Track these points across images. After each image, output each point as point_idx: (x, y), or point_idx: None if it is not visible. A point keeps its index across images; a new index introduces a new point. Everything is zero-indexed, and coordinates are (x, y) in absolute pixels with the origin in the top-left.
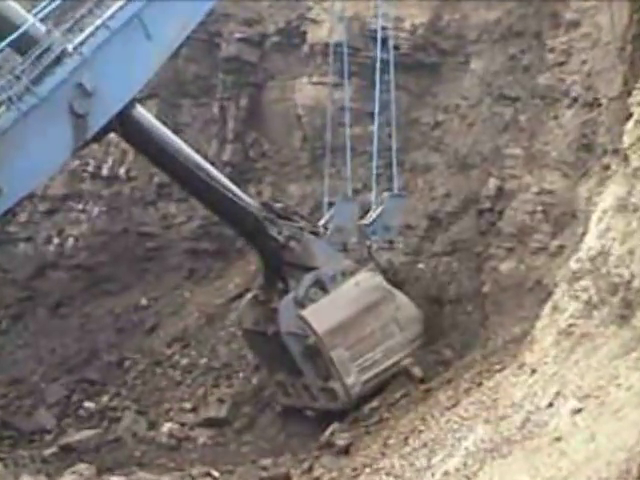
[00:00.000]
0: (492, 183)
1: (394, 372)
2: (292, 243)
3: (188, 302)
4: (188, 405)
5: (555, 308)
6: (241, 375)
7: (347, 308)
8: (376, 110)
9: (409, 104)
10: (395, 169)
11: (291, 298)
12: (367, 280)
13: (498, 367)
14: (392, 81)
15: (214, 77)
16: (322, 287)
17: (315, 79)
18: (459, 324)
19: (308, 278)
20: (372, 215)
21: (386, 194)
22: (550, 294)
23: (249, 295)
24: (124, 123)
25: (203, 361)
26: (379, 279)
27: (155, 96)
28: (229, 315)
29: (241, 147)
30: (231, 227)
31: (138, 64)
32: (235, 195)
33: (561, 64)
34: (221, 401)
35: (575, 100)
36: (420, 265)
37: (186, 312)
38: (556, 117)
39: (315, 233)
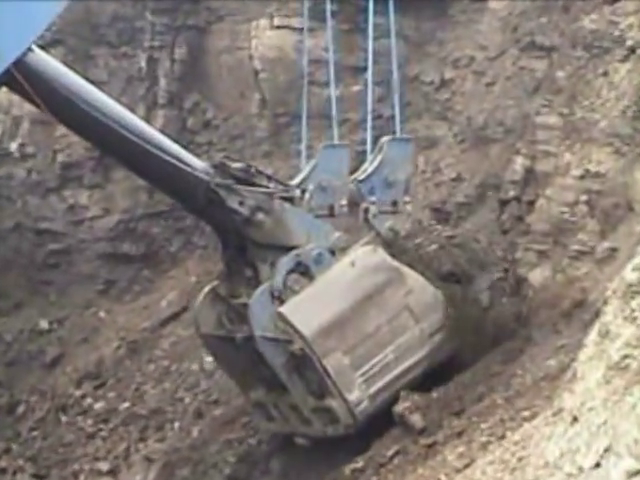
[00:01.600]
0: (519, 164)
1: (411, 379)
2: (260, 216)
3: (104, 325)
4: (104, 466)
5: (604, 334)
6: (177, 425)
7: (341, 298)
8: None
9: (406, 56)
10: (398, 110)
11: (265, 290)
12: (365, 257)
13: (527, 414)
14: (392, 18)
15: (140, 18)
16: (305, 272)
17: (278, 21)
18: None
19: (285, 262)
20: (368, 167)
21: (386, 139)
22: (598, 314)
23: (207, 289)
24: (20, 74)
25: (124, 406)
26: (381, 255)
27: (60, 43)
28: (161, 343)
29: (177, 114)
30: (178, 202)
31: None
32: (178, 158)
33: (613, 2)
34: (149, 460)
35: (632, 51)
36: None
37: (101, 339)
38: (606, 74)
39: (290, 199)
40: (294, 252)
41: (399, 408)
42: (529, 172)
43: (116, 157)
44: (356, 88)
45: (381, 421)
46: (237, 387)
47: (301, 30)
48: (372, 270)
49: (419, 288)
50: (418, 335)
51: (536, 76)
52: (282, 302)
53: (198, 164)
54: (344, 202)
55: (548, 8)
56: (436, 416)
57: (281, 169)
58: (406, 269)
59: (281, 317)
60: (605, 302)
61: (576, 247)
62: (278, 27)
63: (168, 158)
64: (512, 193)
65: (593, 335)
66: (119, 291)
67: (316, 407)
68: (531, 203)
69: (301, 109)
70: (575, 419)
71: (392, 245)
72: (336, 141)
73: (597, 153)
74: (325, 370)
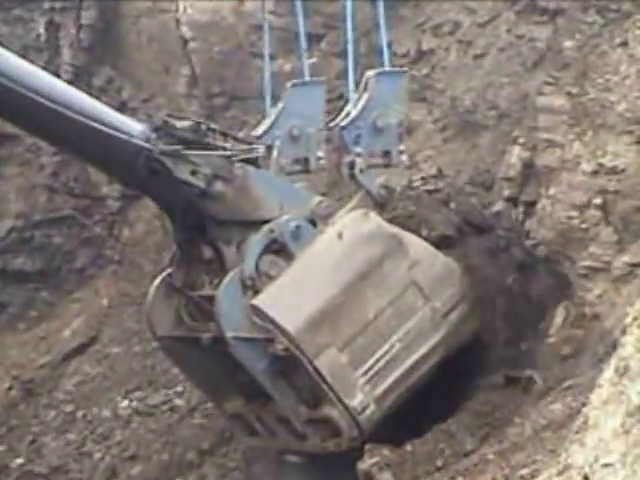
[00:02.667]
0: (516, 155)
1: (425, 372)
2: (218, 186)
3: None
4: None
5: (623, 371)
6: None
7: (330, 280)
8: None
9: (373, 21)
10: (385, 43)
11: (234, 279)
12: (355, 226)
13: (525, 472)
14: None
15: None
16: (282, 251)
17: None
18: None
19: (256, 241)
20: (352, 110)
21: (372, 73)
22: (614, 347)
23: (158, 280)
24: None
25: (18, 462)
26: (375, 221)
27: None
28: (63, 383)
29: (85, 92)
30: (114, 178)
31: None
32: (107, 123)
33: None
34: None
35: None
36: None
37: None
38: (624, 44)
39: (254, 161)
40: (266, 227)
41: (365, 465)
42: (528, 167)
43: (30, 129)
44: (311, 61)
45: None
46: (208, 398)
47: None
48: (365, 241)
49: (426, 257)
50: (430, 316)
51: (537, 47)
52: (256, 292)
53: (135, 128)
54: (321, 154)
55: None
56: (410, 475)
57: None
58: (408, 235)
59: (257, 311)
60: (624, 331)
61: (587, 262)
62: None
63: (95, 124)
64: (507, 193)
65: (609, 373)
66: (10, 317)
67: (311, 418)
68: (531, 205)
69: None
70: (586, 479)
71: (386, 207)
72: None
73: (614, 144)
74: (318, 372)
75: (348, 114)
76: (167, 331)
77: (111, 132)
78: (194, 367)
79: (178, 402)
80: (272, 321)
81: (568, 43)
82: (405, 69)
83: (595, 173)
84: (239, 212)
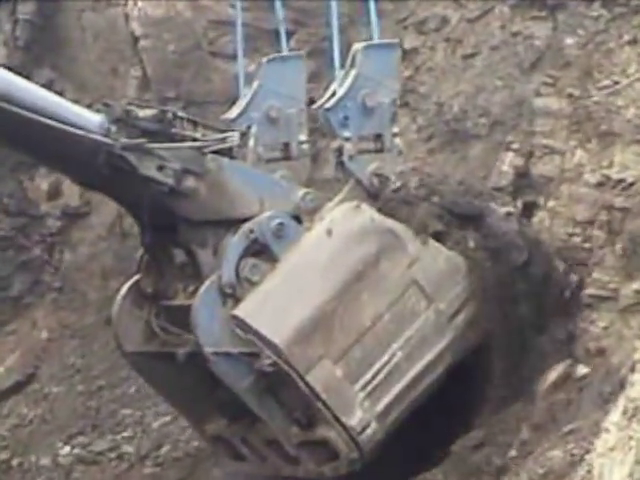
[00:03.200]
0: (508, 163)
1: (431, 383)
2: (189, 182)
3: None
4: None
5: (632, 413)
6: None
7: (320, 284)
8: None
9: (348, 17)
10: (373, 11)
11: (211, 287)
12: (345, 220)
13: None
14: None
15: None
16: (264, 253)
17: None
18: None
19: (234, 243)
20: (338, 89)
21: (360, 45)
22: (622, 386)
23: (125, 288)
24: None
25: None
26: (367, 213)
27: None
28: None
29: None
30: (72, 179)
31: None
32: (60, 117)
33: None
34: None
35: None
36: None
37: None
38: (634, 42)
39: (228, 151)
40: (244, 227)
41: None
42: (522, 176)
43: None
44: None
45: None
46: (186, 419)
47: None
48: (357, 237)
49: (427, 253)
50: (434, 320)
51: (535, 45)
52: (237, 301)
53: (93, 120)
54: (304, 137)
55: None
56: None
57: None
58: (405, 229)
59: (239, 322)
60: (633, 368)
61: (591, 290)
62: None
63: (46, 120)
64: (498, 204)
65: (616, 415)
66: None
67: (305, 440)
68: (526, 218)
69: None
70: None
71: (379, 197)
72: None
73: (621, 154)
74: (311, 389)
75: (334, 94)
76: (137, 346)
77: (64, 128)
78: (169, 385)
79: (127, 449)
80: (256, 333)
81: (569, 40)
82: (396, 40)
83: (600, 185)
84: (214, 211)
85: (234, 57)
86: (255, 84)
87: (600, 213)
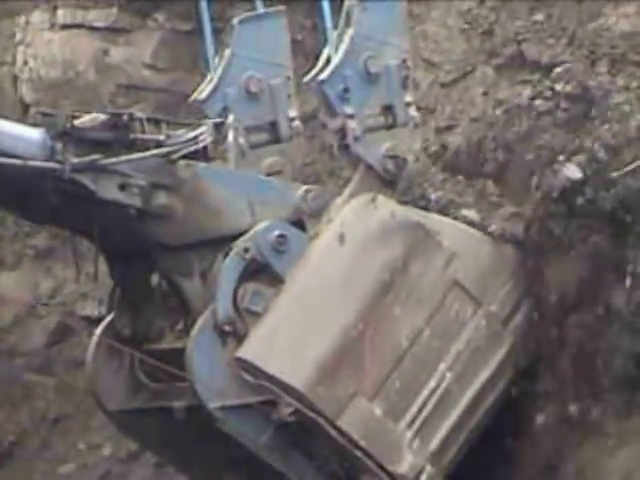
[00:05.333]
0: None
1: (492, 405)
2: (160, 198)
3: None
4: None
5: None
6: None
7: (339, 304)
8: None
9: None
10: None
11: (205, 327)
12: (360, 220)
13: None
14: None
15: None
16: (265, 274)
17: (66, 16)
18: None
19: (227, 267)
20: (333, 55)
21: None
22: None
23: (97, 333)
24: None
25: None
26: (386, 207)
27: None
28: None
29: None
30: (15, 215)
31: None
32: None
33: None
34: None
35: None
36: None
37: None
38: None
39: (202, 151)
40: (237, 246)
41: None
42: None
43: None
44: None
45: None
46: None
47: (108, 31)
48: (377, 239)
49: (466, 246)
50: (485, 326)
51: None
52: (240, 339)
53: (32, 139)
54: (294, 112)
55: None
56: None
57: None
58: (435, 218)
59: (246, 366)
60: None
61: None
62: (66, 26)
63: None
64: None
65: None
66: None
67: None
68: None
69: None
70: None
71: (396, 183)
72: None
73: None
74: (346, 436)
75: (328, 61)
76: (121, 403)
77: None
78: (168, 445)
79: None
80: (269, 377)
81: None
82: None
83: None
84: (195, 230)
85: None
86: (227, 53)
87: None
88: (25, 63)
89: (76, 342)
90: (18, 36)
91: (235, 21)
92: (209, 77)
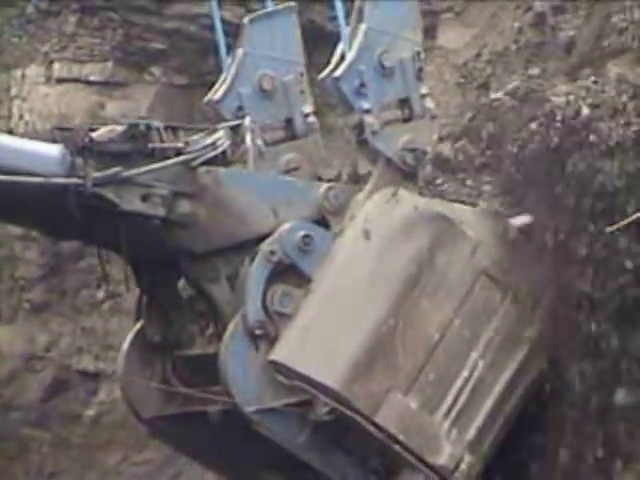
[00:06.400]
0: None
1: (528, 389)
2: (183, 206)
3: None
4: None
5: None
6: None
7: (368, 300)
8: None
9: None
10: None
11: (236, 333)
12: (383, 215)
13: None
14: None
15: None
16: (293, 275)
17: (62, 69)
18: None
19: (254, 271)
20: (347, 52)
21: None
22: None
23: (128, 340)
24: None
25: None
26: (408, 201)
27: None
28: None
29: None
30: (40, 232)
31: None
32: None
33: None
34: None
35: None
36: None
37: None
38: None
39: (222, 156)
40: (263, 249)
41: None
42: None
43: None
44: None
45: None
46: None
47: (104, 85)
48: (402, 233)
49: (491, 232)
50: (515, 312)
51: None
52: (272, 342)
53: (51, 156)
54: (309, 108)
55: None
56: None
57: None
58: (457, 207)
59: (280, 368)
60: None
61: None
62: (62, 80)
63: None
64: None
65: None
66: None
67: None
68: None
69: None
70: None
71: (413, 176)
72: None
73: None
74: (384, 431)
75: (342, 57)
76: (156, 410)
77: (16, 179)
78: (205, 449)
79: None
80: (304, 378)
81: None
82: None
83: None
84: (220, 236)
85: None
86: (239, 52)
87: None
88: (21, 117)
89: (72, 396)
90: (14, 90)
91: (245, 20)
92: (222, 77)
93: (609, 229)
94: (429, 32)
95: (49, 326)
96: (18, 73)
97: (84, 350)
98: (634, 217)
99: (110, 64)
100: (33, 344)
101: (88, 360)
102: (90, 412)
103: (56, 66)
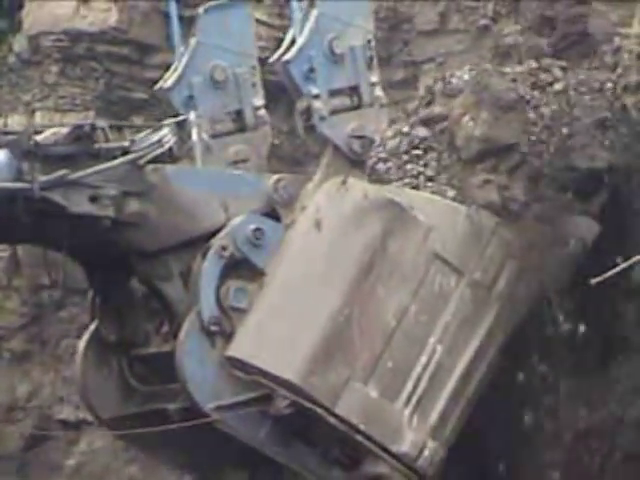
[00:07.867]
0: None
1: (487, 371)
2: (132, 206)
3: None
4: None
5: None
6: None
7: (323, 291)
8: None
9: None
10: None
11: (192, 330)
12: (333, 204)
13: None
14: None
15: None
16: (245, 270)
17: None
18: None
19: (207, 267)
20: (297, 35)
21: None
22: None
23: (83, 341)
24: None
25: None
26: (358, 189)
27: None
28: None
29: None
30: None
31: None
32: None
33: None
34: None
35: None
36: None
37: None
38: None
39: (168, 153)
40: (214, 245)
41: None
42: None
43: None
44: None
45: None
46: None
47: None
48: (353, 221)
49: (442, 217)
50: (471, 295)
51: None
52: (228, 338)
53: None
54: (259, 101)
55: None
56: None
57: None
58: (408, 193)
59: (237, 364)
60: None
61: None
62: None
63: None
64: None
65: None
66: None
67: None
68: None
69: None
70: None
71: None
72: None
73: None
74: (345, 422)
75: (293, 42)
76: (115, 410)
77: None
78: (167, 447)
79: None
80: (262, 372)
81: None
82: None
83: None
84: (170, 233)
85: None
86: (192, 41)
87: None
88: None
89: (53, 446)
90: None
91: (200, 10)
92: (174, 66)
93: (594, 280)
94: (410, 82)
95: (30, 376)
96: (0, 122)
97: (65, 400)
98: (619, 268)
99: (91, 113)
100: (14, 393)
101: (69, 410)
102: (71, 462)
103: (38, 115)
